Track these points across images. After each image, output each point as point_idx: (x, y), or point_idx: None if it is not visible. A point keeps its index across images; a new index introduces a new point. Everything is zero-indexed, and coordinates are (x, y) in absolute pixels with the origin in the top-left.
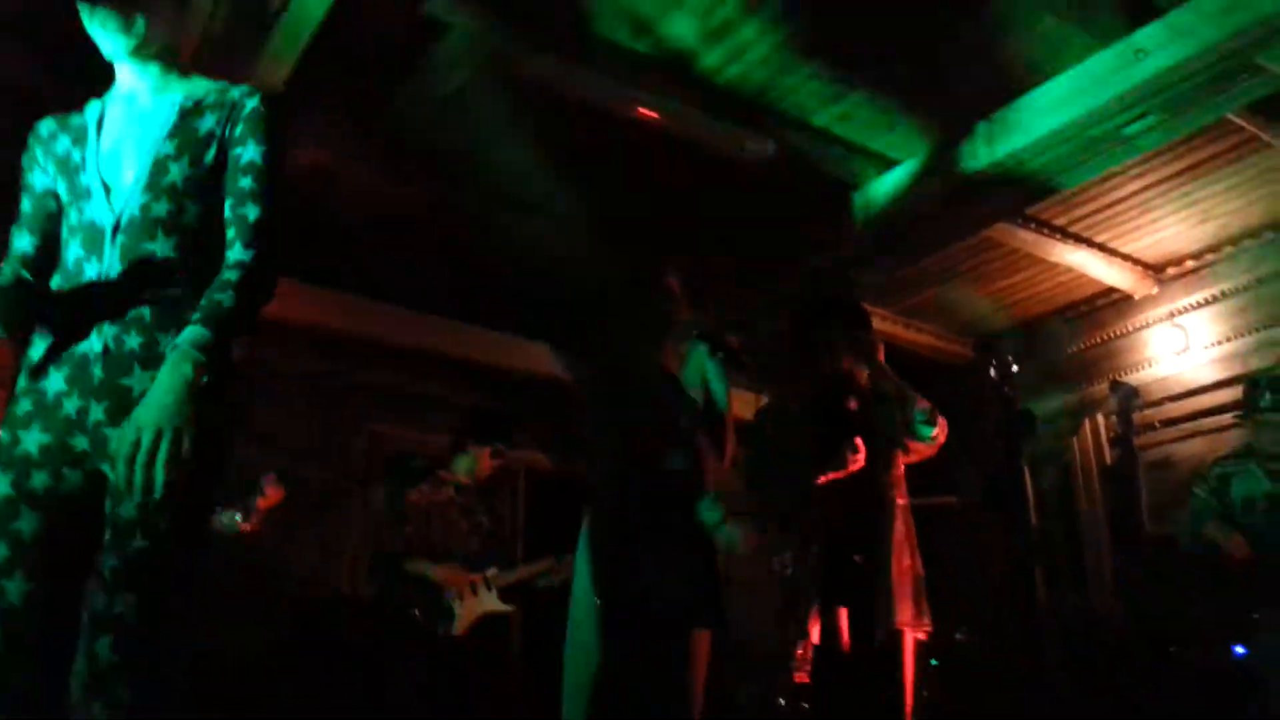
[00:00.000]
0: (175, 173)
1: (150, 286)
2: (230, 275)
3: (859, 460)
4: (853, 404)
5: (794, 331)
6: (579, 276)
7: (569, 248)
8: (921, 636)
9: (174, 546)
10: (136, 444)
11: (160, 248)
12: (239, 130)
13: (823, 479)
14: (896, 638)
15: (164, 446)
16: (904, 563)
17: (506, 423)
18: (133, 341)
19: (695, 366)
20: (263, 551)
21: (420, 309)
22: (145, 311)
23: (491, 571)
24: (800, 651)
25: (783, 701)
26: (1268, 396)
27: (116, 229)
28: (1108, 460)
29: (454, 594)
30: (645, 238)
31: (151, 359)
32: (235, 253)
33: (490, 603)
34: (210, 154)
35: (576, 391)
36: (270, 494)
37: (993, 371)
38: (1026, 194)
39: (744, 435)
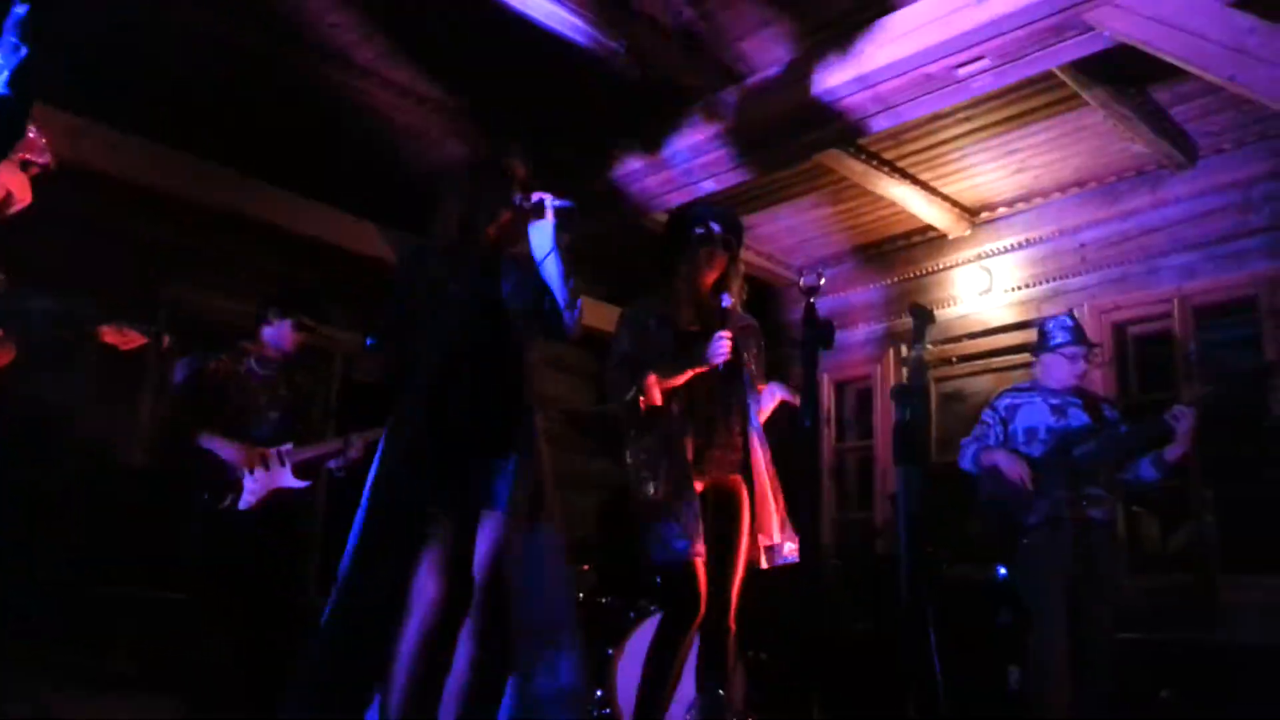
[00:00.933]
0: None
1: None
2: None
3: (725, 353)
4: (728, 303)
5: (666, 235)
6: (416, 152)
7: (408, 121)
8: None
9: None
10: None
11: None
12: None
13: (689, 373)
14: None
15: None
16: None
17: (317, 296)
18: None
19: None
20: (44, 413)
21: (246, 171)
22: None
23: (287, 447)
24: None
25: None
26: (1055, 339)
27: None
28: (904, 384)
29: (245, 468)
30: (488, 120)
31: None
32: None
33: (284, 479)
34: None
35: (398, 271)
36: None
37: (801, 282)
38: (860, 123)
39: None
